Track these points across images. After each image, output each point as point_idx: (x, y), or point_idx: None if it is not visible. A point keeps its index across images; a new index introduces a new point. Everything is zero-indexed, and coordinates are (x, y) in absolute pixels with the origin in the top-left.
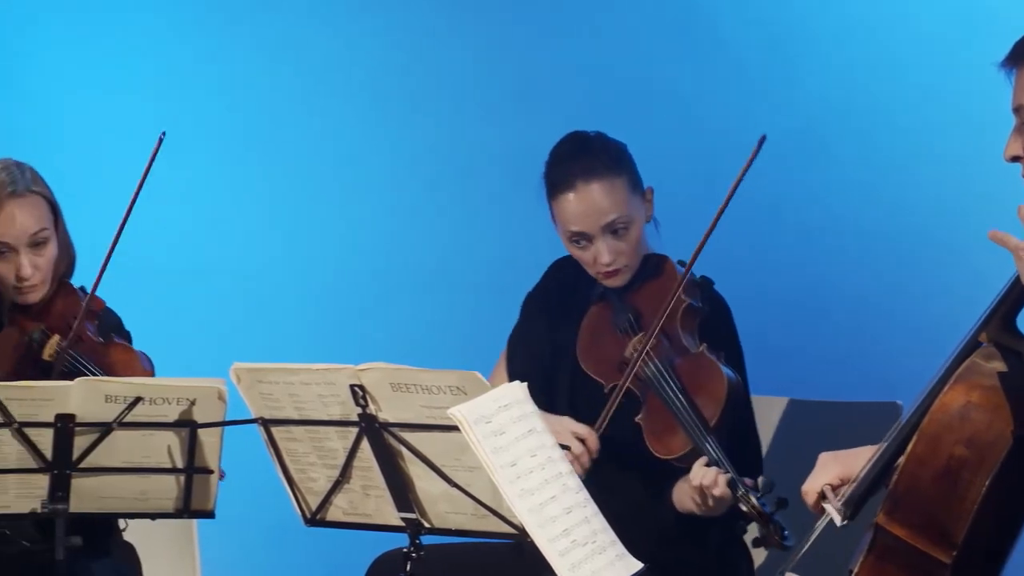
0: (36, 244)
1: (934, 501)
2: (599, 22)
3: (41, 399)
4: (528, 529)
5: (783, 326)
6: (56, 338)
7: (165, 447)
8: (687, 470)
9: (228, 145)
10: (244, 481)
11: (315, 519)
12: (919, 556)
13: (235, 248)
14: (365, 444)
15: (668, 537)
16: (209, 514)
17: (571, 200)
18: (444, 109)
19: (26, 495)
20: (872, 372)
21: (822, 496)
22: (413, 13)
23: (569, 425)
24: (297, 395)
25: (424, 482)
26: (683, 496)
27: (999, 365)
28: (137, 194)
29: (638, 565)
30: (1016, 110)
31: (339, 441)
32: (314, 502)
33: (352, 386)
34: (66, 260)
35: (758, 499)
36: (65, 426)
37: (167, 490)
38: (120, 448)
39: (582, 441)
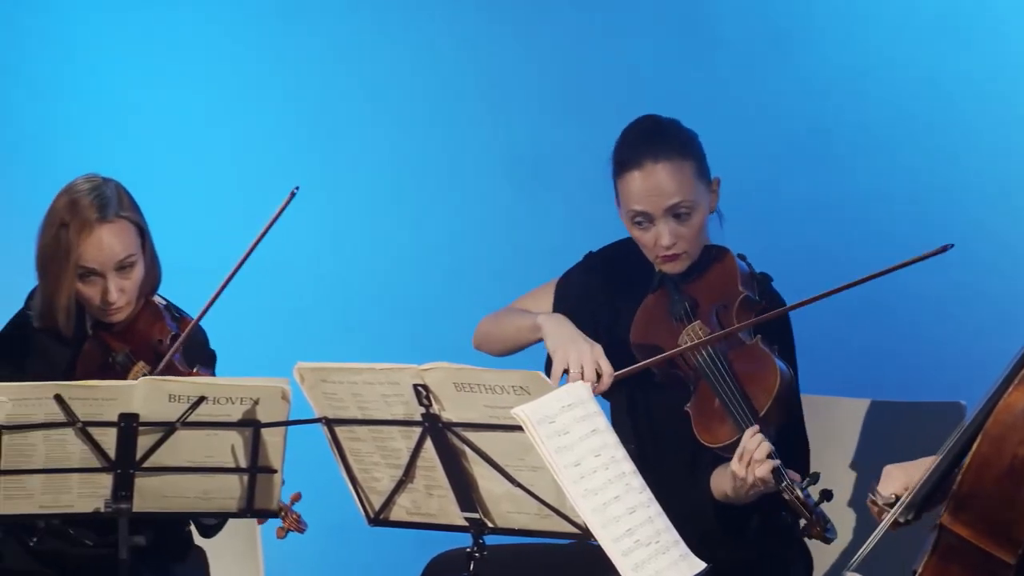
0: (122, 268)
1: (998, 501)
2: (672, 19)
3: (105, 398)
4: (591, 529)
5: (847, 326)
6: (141, 364)
7: (228, 447)
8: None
9: (294, 145)
10: (307, 481)
11: (378, 519)
12: (983, 556)
13: (300, 247)
14: (428, 444)
15: (703, 525)
16: (272, 513)
17: (637, 179)
18: (511, 108)
19: (89, 494)
20: (936, 372)
21: (887, 506)
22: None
23: (598, 355)
24: (361, 395)
25: (487, 482)
26: (722, 479)
27: None
28: (259, 241)
29: (701, 565)
30: None
31: (402, 441)
32: (377, 502)
33: (416, 386)
34: (152, 278)
35: (802, 489)
36: (129, 425)
37: (230, 489)
38: (183, 447)
39: (599, 376)
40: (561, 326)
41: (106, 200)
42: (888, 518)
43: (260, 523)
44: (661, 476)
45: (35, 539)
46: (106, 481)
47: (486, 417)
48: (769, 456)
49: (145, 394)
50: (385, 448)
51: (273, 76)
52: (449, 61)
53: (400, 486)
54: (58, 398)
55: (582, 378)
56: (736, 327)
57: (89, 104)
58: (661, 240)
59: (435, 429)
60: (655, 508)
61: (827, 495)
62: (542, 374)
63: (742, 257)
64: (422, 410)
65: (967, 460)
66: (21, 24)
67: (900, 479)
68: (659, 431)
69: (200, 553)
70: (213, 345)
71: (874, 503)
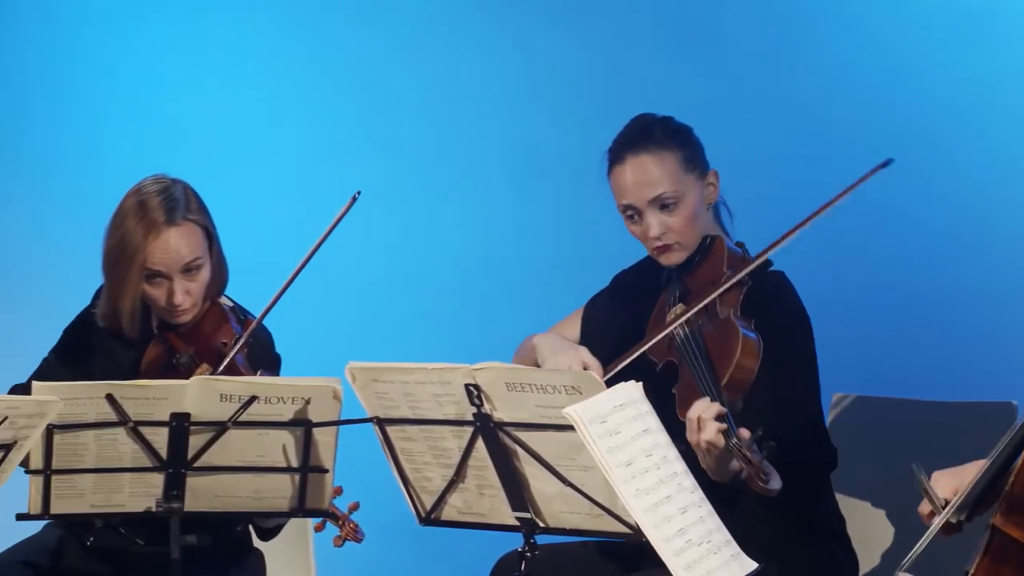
0: (189, 271)
1: None
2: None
3: (156, 398)
4: (643, 529)
5: (897, 326)
6: (205, 367)
7: (280, 446)
8: None
9: (347, 145)
10: (358, 481)
11: (430, 518)
12: None
13: (353, 249)
14: (480, 443)
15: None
16: (324, 513)
17: (620, 173)
18: (567, 112)
19: (141, 494)
20: (988, 372)
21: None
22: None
23: (583, 354)
24: (412, 394)
25: (539, 481)
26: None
27: None
28: (320, 244)
29: (753, 565)
30: None
31: (454, 440)
32: (429, 501)
33: (467, 385)
34: (219, 280)
35: (750, 446)
36: (180, 425)
37: (281, 489)
38: (235, 447)
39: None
40: (549, 340)
41: (174, 202)
42: (940, 519)
43: (318, 529)
44: None
45: (92, 538)
46: (158, 480)
47: (537, 417)
48: (717, 420)
49: (197, 394)
50: (437, 448)
51: (334, 79)
52: (506, 64)
53: (452, 486)
54: (110, 398)
55: None
56: (706, 299)
57: (153, 106)
58: (650, 231)
59: (487, 429)
60: (706, 508)
61: (772, 450)
62: (594, 374)
63: (740, 245)
64: (474, 410)
65: (1020, 460)
66: (89, 31)
67: (950, 484)
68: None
69: (258, 555)
70: None
71: (926, 506)
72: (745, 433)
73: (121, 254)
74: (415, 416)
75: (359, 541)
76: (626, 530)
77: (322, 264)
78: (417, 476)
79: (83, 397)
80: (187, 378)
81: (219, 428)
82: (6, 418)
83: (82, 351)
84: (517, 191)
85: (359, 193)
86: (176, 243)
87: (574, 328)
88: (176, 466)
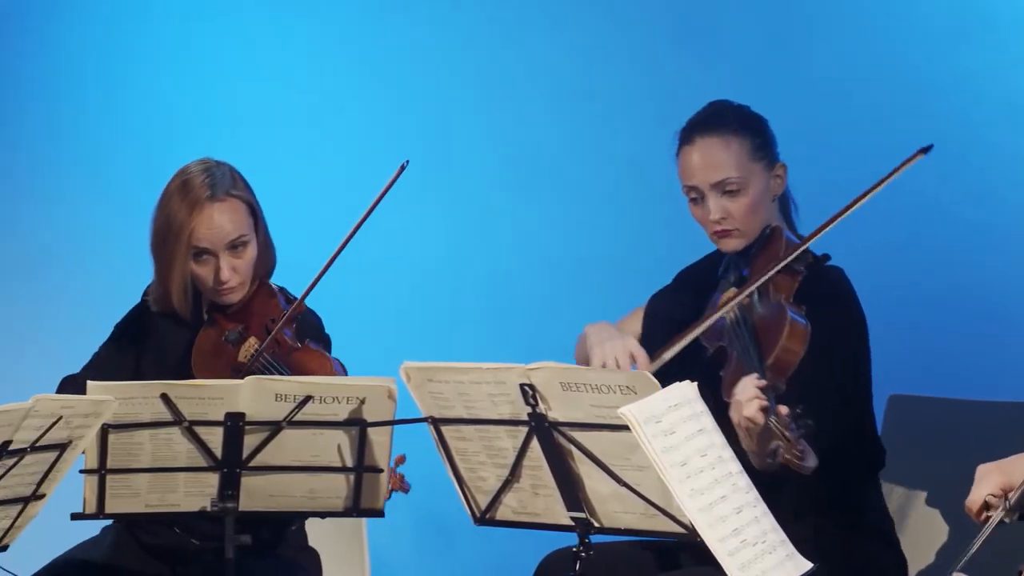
0: (235, 247)
1: None
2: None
3: (211, 397)
4: (698, 529)
5: (945, 325)
6: (252, 340)
7: (335, 446)
8: None
9: (404, 144)
10: (413, 480)
11: (484, 518)
12: None
13: (405, 246)
14: (535, 443)
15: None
16: (379, 513)
17: (687, 154)
18: (615, 108)
19: (196, 493)
20: None
21: (985, 507)
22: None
23: (630, 343)
24: (467, 394)
25: (594, 481)
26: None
27: None
28: (366, 216)
29: (808, 565)
30: None
31: (509, 440)
32: (483, 501)
33: (522, 385)
34: (266, 261)
35: (788, 423)
36: (235, 424)
37: (336, 489)
38: (289, 446)
39: (633, 362)
40: (599, 329)
41: (217, 180)
42: (994, 519)
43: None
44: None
45: (150, 535)
46: (212, 480)
47: (592, 417)
48: (757, 397)
49: (251, 393)
50: (491, 447)
51: (388, 67)
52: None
53: (506, 485)
54: (164, 397)
55: (617, 368)
56: (759, 280)
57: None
58: (710, 215)
59: (541, 428)
60: (761, 508)
61: (810, 428)
62: (649, 374)
63: (800, 237)
64: (528, 409)
65: None
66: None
67: (997, 478)
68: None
69: (313, 554)
70: None
71: (973, 506)
72: (783, 409)
73: (167, 233)
74: (470, 416)
75: (406, 491)
76: (681, 530)
77: (377, 263)
78: (472, 476)
79: (138, 397)
80: (238, 355)
81: (274, 428)
82: (61, 417)
83: (138, 336)
84: (574, 187)
85: (407, 163)
86: (220, 219)
87: (636, 324)
88: (231, 466)
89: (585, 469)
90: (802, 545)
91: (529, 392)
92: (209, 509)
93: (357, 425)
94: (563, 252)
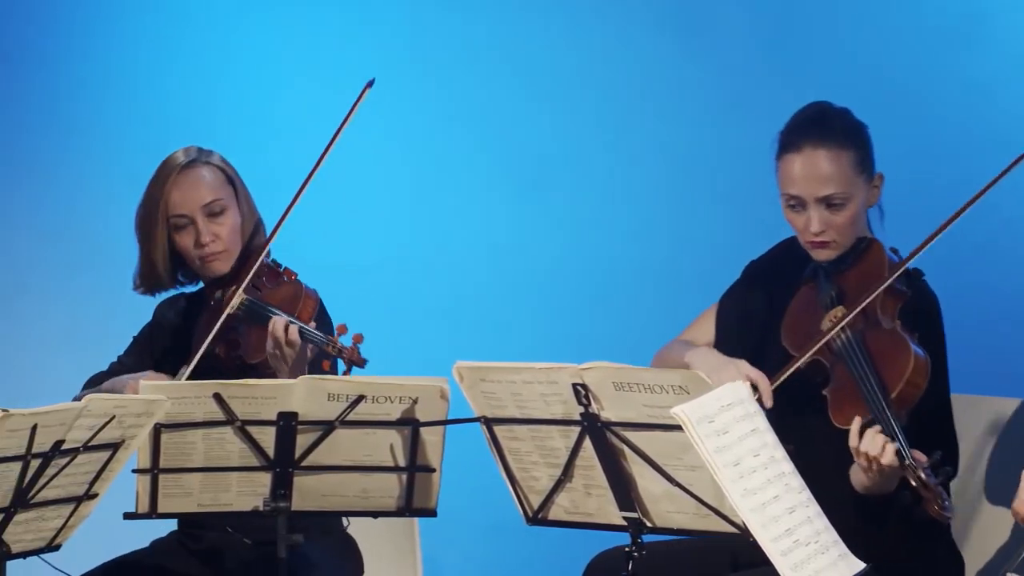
0: (213, 214)
1: None
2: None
3: (264, 397)
4: (751, 528)
5: (1010, 325)
6: (238, 293)
7: (387, 445)
8: None
9: (450, 140)
10: (466, 480)
11: (537, 518)
12: None
13: (459, 246)
14: (587, 443)
15: (843, 513)
16: (431, 512)
17: (794, 162)
18: (665, 110)
19: (248, 493)
20: None
21: None
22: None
23: (744, 368)
24: (519, 394)
25: (646, 481)
26: (857, 470)
27: None
28: (333, 140)
29: (860, 565)
30: None
31: (561, 440)
32: (536, 501)
33: (575, 385)
34: (251, 230)
35: (925, 469)
36: (288, 424)
37: (389, 488)
38: (342, 446)
39: (754, 387)
40: (704, 358)
41: (193, 152)
42: None
43: (325, 368)
44: (809, 466)
45: (194, 541)
46: (265, 480)
47: (645, 416)
48: (886, 444)
49: (304, 393)
50: (544, 447)
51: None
52: (612, 66)
53: (559, 485)
54: (217, 397)
55: None
56: (868, 299)
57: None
58: (811, 226)
59: (594, 428)
60: (814, 508)
61: (950, 476)
62: (702, 374)
63: (894, 251)
64: (581, 409)
65: None
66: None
67: None
68: (805, 422)
69: (352, 544)
70: (373, 346)
71: (1019, 509)
72: (921, 457)
73: (147, 208)
74: (522, 416)
75: (362, 366)
76: (733, 530)
77: (430, 265)
78: (524, 476)
79: (190, 396)
80: (222, 311)
81: (326, 427)
82: (113, 417)
83: (157, 327)
84: (628, 187)
85: (373, 81)
86: (193, 182)
87: (708, 328)
88: (283, 465)
89: (637, 469)
90: (855, 544)
91: (582, 392)
92: (262, 509)
93: (409, 425)
94: (617, 252)
